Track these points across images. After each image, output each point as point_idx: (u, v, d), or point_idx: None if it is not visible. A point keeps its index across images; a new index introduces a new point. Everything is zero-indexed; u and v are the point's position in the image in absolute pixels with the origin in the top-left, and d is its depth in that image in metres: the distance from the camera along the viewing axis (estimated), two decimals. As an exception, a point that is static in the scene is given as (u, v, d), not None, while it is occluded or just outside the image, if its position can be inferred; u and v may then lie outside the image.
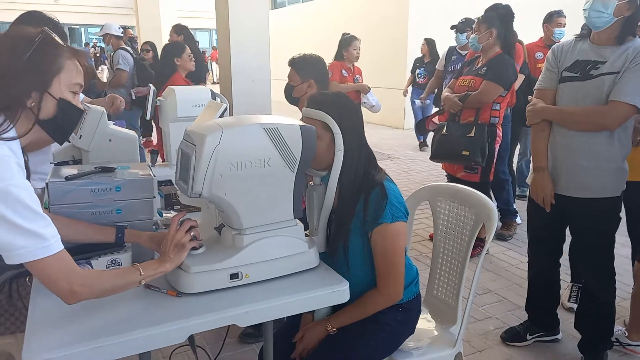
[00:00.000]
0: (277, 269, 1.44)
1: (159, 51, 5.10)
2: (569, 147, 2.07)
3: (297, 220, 1.48)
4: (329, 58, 4.43)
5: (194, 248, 1.37)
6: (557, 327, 2.51)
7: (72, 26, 17.35)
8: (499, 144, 3.42)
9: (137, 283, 1.26)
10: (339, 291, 1.42)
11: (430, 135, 3.94)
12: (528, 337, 2.48)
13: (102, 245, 1.46)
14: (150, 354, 1.27)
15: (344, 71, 4.75)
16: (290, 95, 2.59)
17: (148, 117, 2.27)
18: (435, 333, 1.85)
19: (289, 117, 1.45)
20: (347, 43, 4.82)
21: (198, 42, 5.96)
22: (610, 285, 2.17)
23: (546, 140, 2.13)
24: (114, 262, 1.45)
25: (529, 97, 2.27)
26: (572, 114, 2.04)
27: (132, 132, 2.13)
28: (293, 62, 2.60)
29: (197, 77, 4.82)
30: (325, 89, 2.63)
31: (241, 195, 1.35)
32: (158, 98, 2.36)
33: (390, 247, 1.52)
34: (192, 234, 1.35)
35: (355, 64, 4.94)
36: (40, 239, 1.10)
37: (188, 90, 2.36)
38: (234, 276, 1.38)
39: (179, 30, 5.23)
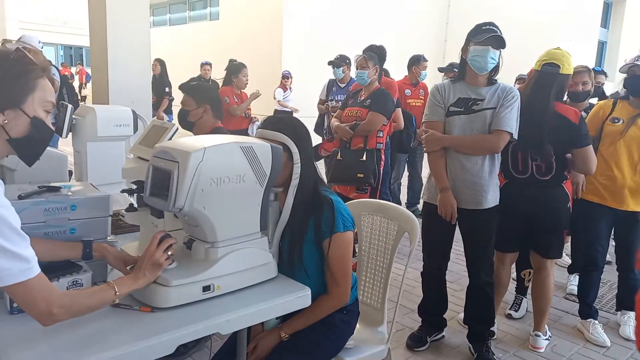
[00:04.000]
0: (245, 280, 1.52)
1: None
2: (463, 167, 2.47)
3: (262, 233, 1.58)
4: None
5: None
6: (444, 326, 2.89)
7: None
8: (383, 167, 3.83)
9: (111, 301, 1.25)
10: (303, 296, 1.56)
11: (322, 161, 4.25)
12: (428, 339, 2.80)
13: (58, 265, 1.40)
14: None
15: (235, 97, 4.87)
16: (185, 119, 2.65)
17: (64, 136, 2.15)
18: (366, 333, 2.05)
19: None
20: (237, 70, 4.97)
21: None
22: (493, 280, 2.62)
23: (444, 164, 2.52)
24: (75, 282, 1.40)
25: (422, 129, 2.66)
26: (468, 140, 2.47)
27: (61, 152, 1.99)
28: (187, 88, 2.69)
29: None
30: (220, 113, 2.77)
31: (218, 209, 1.42)
32: (73, 116, 2.25)
33: (343, 255, 1.69)
34: (169, 253, 1.38)
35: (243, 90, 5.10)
36: (23, 261, 1.07)
37: (108, 109, 2.30)
38: (206, 288, 1.43)
39: None
